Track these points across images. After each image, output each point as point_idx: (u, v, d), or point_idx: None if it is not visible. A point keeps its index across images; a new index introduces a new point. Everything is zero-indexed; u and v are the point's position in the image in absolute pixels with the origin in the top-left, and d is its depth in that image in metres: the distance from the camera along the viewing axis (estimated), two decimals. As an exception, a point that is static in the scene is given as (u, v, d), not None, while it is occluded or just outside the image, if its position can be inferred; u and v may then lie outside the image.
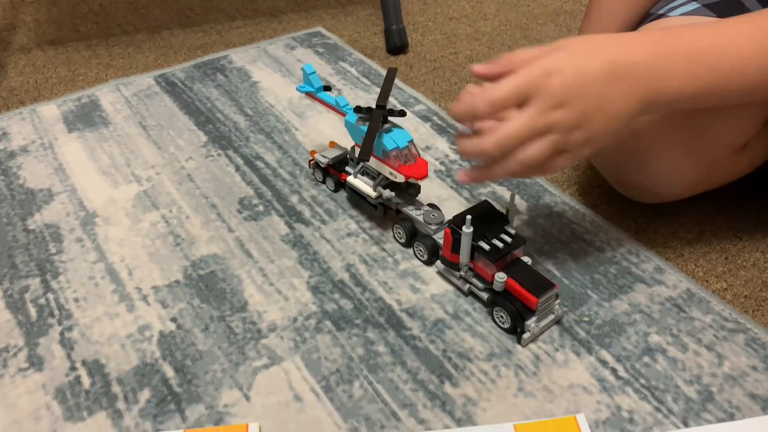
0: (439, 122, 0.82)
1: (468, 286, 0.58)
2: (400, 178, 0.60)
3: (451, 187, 0.71)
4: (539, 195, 0.70)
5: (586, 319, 0.56)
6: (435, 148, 0.77)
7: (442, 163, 0.75)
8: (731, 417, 0.48)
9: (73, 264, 0.62)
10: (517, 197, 0.69)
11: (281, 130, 0.81)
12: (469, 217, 0.53)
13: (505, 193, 0.70)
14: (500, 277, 0.54)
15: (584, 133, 0.48)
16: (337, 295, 0.59)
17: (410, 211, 0.63)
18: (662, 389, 0.50)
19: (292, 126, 0.82)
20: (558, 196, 0.70)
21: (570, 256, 0.62)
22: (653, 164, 0.58)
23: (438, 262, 0.60)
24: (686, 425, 0.48)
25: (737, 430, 0.47)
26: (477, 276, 0.57)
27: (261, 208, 0.69)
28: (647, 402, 0.49)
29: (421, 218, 0.62)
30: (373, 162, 0.62)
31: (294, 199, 0.70)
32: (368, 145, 0.57)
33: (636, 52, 0.48)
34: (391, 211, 0.65)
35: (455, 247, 0.56)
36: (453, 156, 0.76)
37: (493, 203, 0.61)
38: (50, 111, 0.85)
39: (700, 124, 0.56)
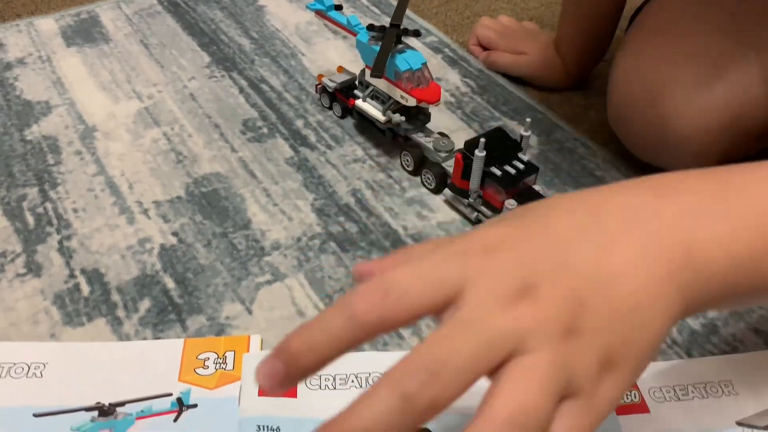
0: (451, 54, 0.79)
1: (476, 214, 0.57)
2: (411, 102, 0.59)
3: (461, 119, 0.69)
4: (551, 130, 0.68)
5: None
6: (446, 80, 0.75)
7: (452, 95, 0.73)
8: (734, 350, 0.48)
9: (71, 176, 0.61)
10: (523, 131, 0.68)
11: (287, 54, 0.78)
12: (482, 140, 0.52)
13: (516, 128, 0.69)
14: (510, 204, 0.53)
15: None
16: (342, 218, 0.58)
17: (419, 137, 0.61)
18: (667, 321, 0.50)
19: (299, 51, 0.79)
20: (570, 132, 0.68)
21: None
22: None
23: (446, 190, 0.59)
24: (689, 355, 0.48)
25: (739, 361, 0.47)
26: (486, 204, 0.56)
27: (265, 130, 0.67)
28: (651, 332, 0.49)
29: (430, 145, 0.60)
30: (383, 85, 0.60)
31: (299, 123, 0.68)
32: (381, 62, 0.55)
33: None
34: (399, 138, 0.63)
35: (465, 172, 0.55)
36: (464, 88, 0.74)
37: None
38: (48, 25, 0.82)
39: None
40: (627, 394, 0.45)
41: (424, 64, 0.59)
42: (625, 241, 0.26)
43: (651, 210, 0.27)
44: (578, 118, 0.71)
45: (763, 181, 0.29)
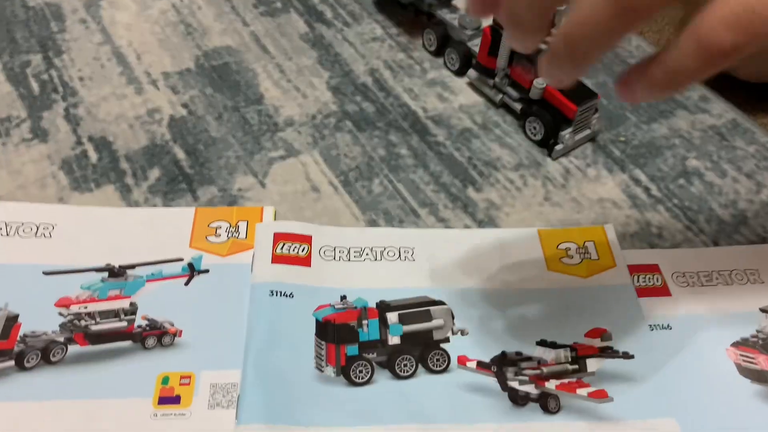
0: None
1: (501, 96, 0.54)
2: (436, -27, 0.54)
3: None
4: (583, 16, 0.64)
5: (622, 138, 0.53)
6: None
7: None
8: (763, 240, 0.47)
9: (77, 44, 0.58)
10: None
11: (304, -72, 0.73)
12: (513, 11, 0.48)
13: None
14: (539, 83, 0.50)
15: None
16: (359, 98, 0.55)
17: (444, 14, 0.57)
18: (695, 210, 0.48)
19: (316, -75, 0.73)
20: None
21: (611, 78, 0.57)
22: None
23: (470, 71, 0.55)
24: (716, 244, 0.46)
25: (767, 251, 0.46)
26: (512, 84, 0.52)
27: (279, 4, 0.63)
28: (678, 220, 0.47)
29: (455, 22, 0.56)
30: (407, -45, 0.56)
31: (316, -2, 0.64)
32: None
33: None
34: (422, 15, 0.59)
35: (493, 48, 0.51)
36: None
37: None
38: None
39: None
40: (650, 278, 0.44)
41: (453, -70, 0.54)
42: None
43: None
44: None
45: None
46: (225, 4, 0.63)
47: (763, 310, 0.42)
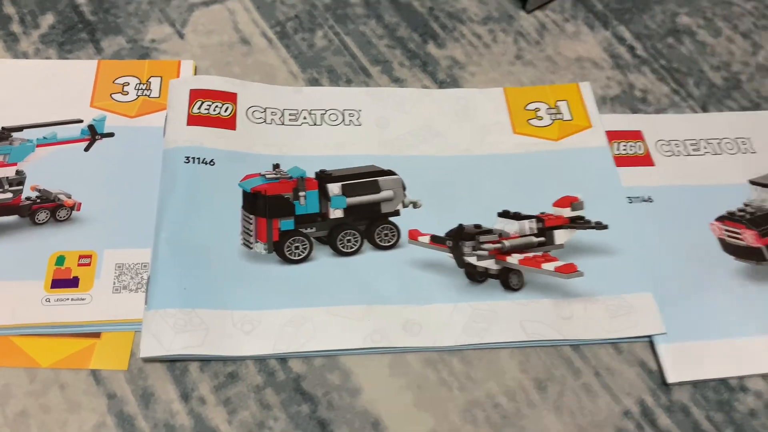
0: None
1: (468, -64, 0.45)
2: None
3: None
4: None
5: (608, -10, 0.46)
6: None
7: None
8: (757, 107, 0.41)
9: None
10: None
11: None
12: None
13: None
14: None
15: None
16: (300, -64, 0.46)
17: None
18: (684, 72, 0.42)
19: None
20: None
21: None
22: None
23: None
24: (705, 110, 0.41)
25: (761, 118, 0.40)
26: None
27: None
28: (665, 83, 0.42)
29: None
30: None
31: None
32: None
33: None
34: None
35: None
36: None
37: None
38: None
39: None
40: (631, 146, 0.38)
41: None
42: None
43: None
44: None
45: None
46: None
47: (753, 182, 0.38)
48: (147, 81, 0.37)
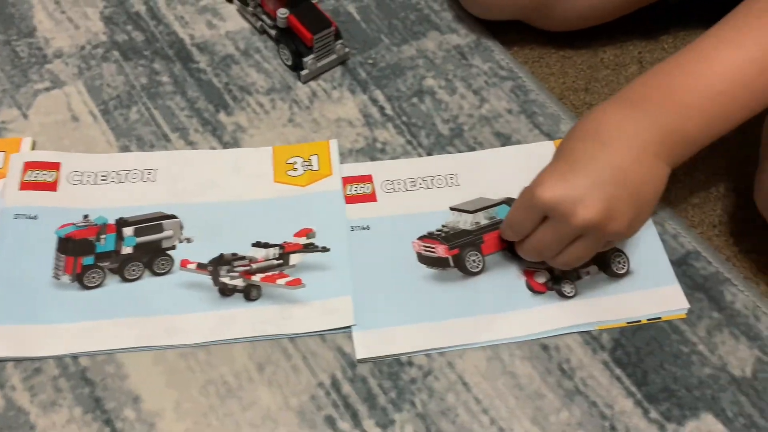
0: None
1: (260, 23, 0.58)
2: None
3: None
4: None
5: (370, 61, 0.58)
6: None
7: None
8: (472, 149, 0.54)
9: None
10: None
11: None
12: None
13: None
14: (282, 12, 0.54)
15: (621, 224, 0.41)
16: (130, 27, 0.59)
17: (212, -58, 0.60)
18: (419, 125, 0.55)
19: None
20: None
21: (375, 1, 0.62)
22: None
23: (235, -2, 0.59)
24: (429, 154, 0.54)
25: (468, 158, 0.53)
26: (266, 13, 0.57)
27: (62, -69, 0.64)
28: (402, 136, 0.54)
29: (220, -50, 0.59)
30: None
31: (100, -76, 0.65)
32: None
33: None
34: (196, -58, 0.62)
35: (241, -21, 0.55)
36: None
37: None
38: None
39: None
40: (361, 187, 0.51)
41: None
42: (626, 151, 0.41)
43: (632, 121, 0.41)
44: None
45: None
46: (6, -69, 0.64)
47: (452, 208, 0.51)
48: (-7, 155, 0.50)
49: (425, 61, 0.59)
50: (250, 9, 0.57)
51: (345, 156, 0.53)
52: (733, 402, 0.43)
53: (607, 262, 0.48)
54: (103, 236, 0.47)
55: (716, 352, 0.45)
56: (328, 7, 0.60)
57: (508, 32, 0.61)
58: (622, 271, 0.48)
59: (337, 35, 0.56)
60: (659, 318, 0.46)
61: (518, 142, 0.54)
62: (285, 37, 0.55)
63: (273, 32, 0.57)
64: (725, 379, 0.44)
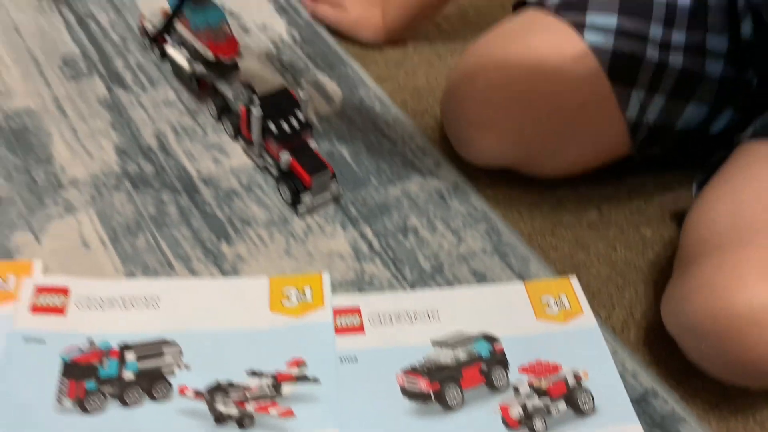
0: (282, 2, 0.84)
1: (262, 161, 0.64)
2: (209, 56, 0.64)
3: (277, 70, 0.75)
4: (356, 85, 0.76)
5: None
6: (271, 28, 0.80)
7: (275, 43, 0.78)
8: (450, 285, 0.60)
9: None
10: (334, 85, 0.75)
11: (120, -10, 0.81)
12: (256, 99, 0.59)
13: (326, 81, 0.75)
14: (285, 157, 0.61)
15: None
16: (141, 160, 0.64)
17: (222, 86, 0.67)
18: (404, 261, 0.61)
19: (133, -12, 0.81)
20: (372, 89, 0.76)
21: (365, 145, 0.70)
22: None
23: (239, 138, 0.66)
24: (413, 288, 0.59)
25: (448, 295, 0.58)
26: (269, 154, 0.63)
27: (84, 68, 0.71)
28: (388, 270, 0.60)
29: (230, 94, 0.66)
30: (189, 36, 0.65)
31: (119, 62, 0.72)
32: (168, 21, 0.60)
33: None
34: (207, 85, 0.69)
35: (249, 125, 0.62)
36: (287, 38, 0.80)
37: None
38: None
39: None
40: (350, 318, 0.55)
41: (223, 19, 0.64)
42: None
43: None
44: (385, 77, 0.78)
45: None
46: (33, 65, 0.70)
47: (434, 343, 0.55)
48: (6, 277, 0.52)
49: (409, 201, 0.66)
50: (254, 149, 0.64)
51: (335, 287, 0.57)
52: None
53: (574, 398, 0.52)
54: (106, 361, 0.49)
55: (674, 487, 0.49)
56: (324, 150, 0.67)
57: (482, 177, 0.69)
58: (587, 407, 0.52)
59: (332, 176, 0.62)
60: (623, 455, 0.50)
61: (492, 281, 0.60)
62: (285, 177, 0.61)
63: (274, 171, 0.63)
64: None
